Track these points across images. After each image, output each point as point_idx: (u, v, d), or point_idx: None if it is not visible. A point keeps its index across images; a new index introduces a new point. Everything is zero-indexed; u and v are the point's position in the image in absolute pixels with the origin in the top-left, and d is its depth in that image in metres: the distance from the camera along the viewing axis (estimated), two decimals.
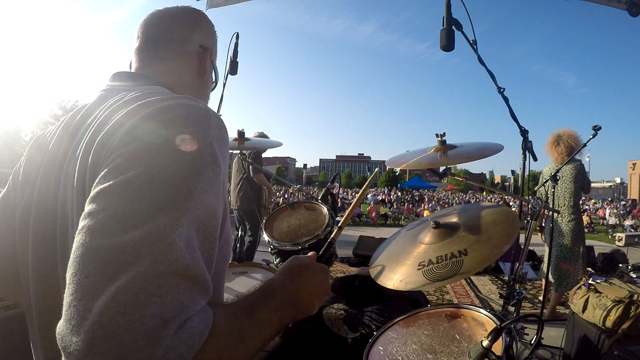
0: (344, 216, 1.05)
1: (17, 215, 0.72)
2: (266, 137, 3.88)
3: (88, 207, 0.48)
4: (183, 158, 0.51)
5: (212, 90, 0.96)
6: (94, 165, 0.55)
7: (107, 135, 0.57)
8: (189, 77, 0.84)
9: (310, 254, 0.82)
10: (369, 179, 1.40)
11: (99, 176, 0.51)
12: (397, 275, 1.13)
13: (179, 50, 0.82)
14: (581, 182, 3.74)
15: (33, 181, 0.70)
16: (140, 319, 0.39)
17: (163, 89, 0.72)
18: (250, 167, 4.13)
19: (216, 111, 2.06)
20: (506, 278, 1.96)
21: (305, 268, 0.72)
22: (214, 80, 0.94)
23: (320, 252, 0.87)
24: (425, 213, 16.04)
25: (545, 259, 3.81)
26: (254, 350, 0.54)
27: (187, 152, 0.51)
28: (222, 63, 1.97)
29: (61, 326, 0.41)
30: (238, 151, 2.53)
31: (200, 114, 0.59)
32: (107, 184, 0.49)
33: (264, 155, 4.36)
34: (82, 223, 0.47)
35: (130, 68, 0.84)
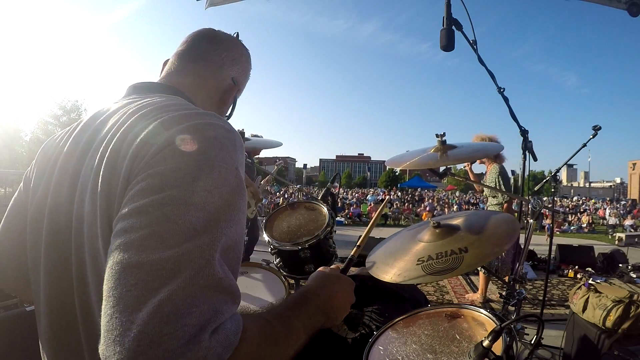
0: (363, 236, 1.16)
1: (29, 217, 0.73)
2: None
3: (124, 223, 0.50)
4: (214, 184, 0.54)
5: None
6: (129, 174, 0.56)
7: (142, 144, 0.58)
8: (210, 101, 0.87)
9: (334, 266, 0.89)
10: (381, 206, 1.43)
11: (133, 190, 0.53)
12: (394, 269, 1.14)
13: (214, 73, 0.86)
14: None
15: (46, 184, 0.71)
16: (183, 327, 0.43)
17: (187, 103, 0.73)
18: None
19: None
20: (506, 278, 1.96)
21: (337, 278, 0.79)
22: (227, 114, 0.97)
23: (343, 266, 0.93)
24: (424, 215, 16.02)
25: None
26: (288, 356, 0.58)
27: (216, 178, 0.55)
28: None
29: (103, 337, 0.44)
30: None
31: (228, 136, 0.61)
32: (143, 202, 0.51)
33: (262, 155, 4.36)
34: (120, 239, 0.49)
35: (163, 66, 0.88)
